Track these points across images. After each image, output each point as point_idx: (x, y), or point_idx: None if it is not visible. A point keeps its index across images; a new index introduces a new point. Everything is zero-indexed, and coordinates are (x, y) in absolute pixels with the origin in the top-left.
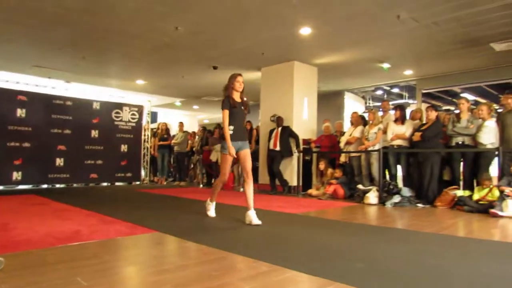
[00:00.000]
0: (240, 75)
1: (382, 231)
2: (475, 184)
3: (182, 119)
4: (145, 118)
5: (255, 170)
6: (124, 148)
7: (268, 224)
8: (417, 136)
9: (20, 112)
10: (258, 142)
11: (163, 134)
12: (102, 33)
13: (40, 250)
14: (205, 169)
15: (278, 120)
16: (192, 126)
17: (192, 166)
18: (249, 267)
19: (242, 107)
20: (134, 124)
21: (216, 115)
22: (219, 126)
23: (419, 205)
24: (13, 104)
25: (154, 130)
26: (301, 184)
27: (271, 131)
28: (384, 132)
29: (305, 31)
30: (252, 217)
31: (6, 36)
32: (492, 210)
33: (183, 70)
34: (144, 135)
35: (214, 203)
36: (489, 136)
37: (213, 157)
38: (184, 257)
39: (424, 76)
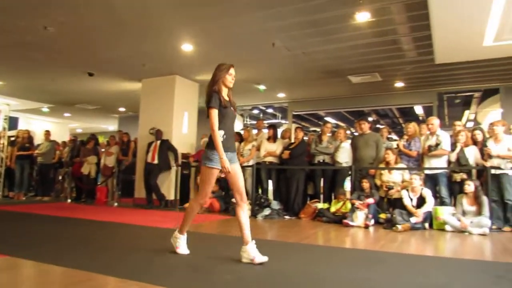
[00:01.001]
0: (232, 66)
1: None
2: (333, 197)
3: (50, 127)
4: (1, 124)
5: (131, 183)
6: None
7: (143, 240)
8: (286, 154)
9: None
10: (135, 154)
11: (24, 143)
12: None
13: None
14: (75, 182)
15: (157, 133)
16: (62, 135)
17: (59, 179)
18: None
19: (232, 108)
20: None
21: (91, 125)
22: (94, 136)
23: (286, 217)
24: None
25: (13, 138)
26: (178, 198)
27: (150, 144)
28: (258, 149)
29: (187, 47)
30: (254, 253)
31: None
32: (345, 221)
33: (52, 73)
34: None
35: (185, 235)
36: (344, 155)
37: (85, 169)
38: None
39: (294, 100)
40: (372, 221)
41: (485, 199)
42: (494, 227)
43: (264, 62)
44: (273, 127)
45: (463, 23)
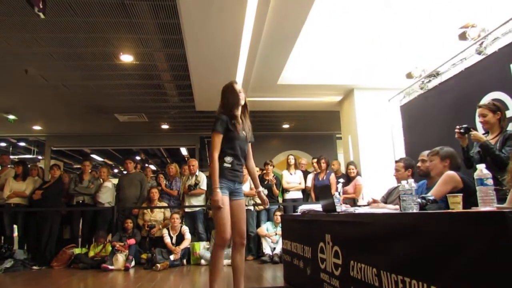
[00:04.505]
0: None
1: None
2: (93, 240)
3: None
4: None
5: None
6: None
7: None
8: (37, 195)
9: None
10: None
11: None
12: None
13: None
14: None
15: None
16: None
17: None
18: None
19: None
20: None
21: None
22: None
23: (35, 267)
24: None
25: None
26: None
27: None
28: (2, 188)
29: None
30: None
31: None
32: (103, 265)
33: None
34: None
35: None
36: (107, 195)
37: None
38: None
39: (54, 134)
40: (133, 263)
41: None
42: None
43: (15, 89)
44: (23, 163)
45: (216, 79)
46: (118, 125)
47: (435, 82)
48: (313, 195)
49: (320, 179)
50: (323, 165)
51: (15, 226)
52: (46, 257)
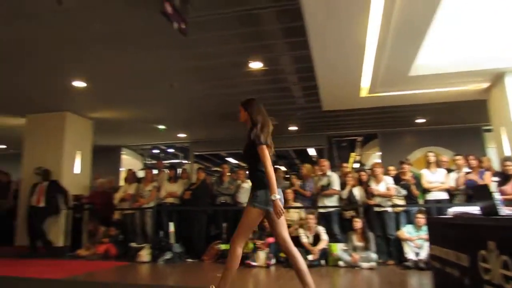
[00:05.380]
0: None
1: None
2: None
3: None
4: None
5: (10, 230)
6: None
7: None
8: (187, 195)
9: None
10: (16, 197)
11: None
12: None
13: None
14: None
15: (45, 174)
16: None
17: None
18: None
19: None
20: None
21: None
22: None
23: (189, 260)
24: None
25: None
26: (69, 244)
27: (35, 185)
28: (158, 190)
29: (79, 84)
30: None
31: None
32: (247, 261)
33: None
34: None
35: None
36: (245, 195)
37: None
38: None
39: (196, 140)
40: (273, 260)
41: (371, 235)
42: (380, 260)
43: (163, 102)
44: (174, 167)
45: (342, 77)
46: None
47: None
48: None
49: (473, 178)
50: (473, 162)
51: (170, 223)
52: (197, 251)
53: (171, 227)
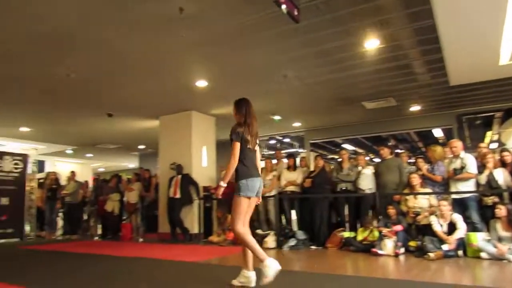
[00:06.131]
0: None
1: (282, 274)
2: (358, 225)
3: (74, 167)
4: (30, 168)
5: (155, 219)
6: (4, 201)
7: (170, 275)
8: (307, 183)
9: None
10: (157, 190)
11: (51, 184)
12: None
13: None
14: (101, 220)
15: (178, 168)
16: (85, 175)
17: (86, 217)
18: None
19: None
20: (17, 175)
21: (113, 163)
22: (116, 175)
23: (313, 247)
24: None
25: (41, 180)
26: (202, 231)
27: (171, 179)
28: (278, 179)
29: (201, 83)
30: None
31: None
32: (373, 249)
33: (75, 116)
34: (29, 186)
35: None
36: (366, 182)
37: (109, 207)
38: None
39: (310, 128)
40: (402, 249)
41: None
42: None
43: (277, 93)
44: (292, 156)
45: (475, 43)
46: (365, 113)
47: None
48: None
49: None
50: None
51: (292, 211)
52: (320, 238)
53: (293, 214)
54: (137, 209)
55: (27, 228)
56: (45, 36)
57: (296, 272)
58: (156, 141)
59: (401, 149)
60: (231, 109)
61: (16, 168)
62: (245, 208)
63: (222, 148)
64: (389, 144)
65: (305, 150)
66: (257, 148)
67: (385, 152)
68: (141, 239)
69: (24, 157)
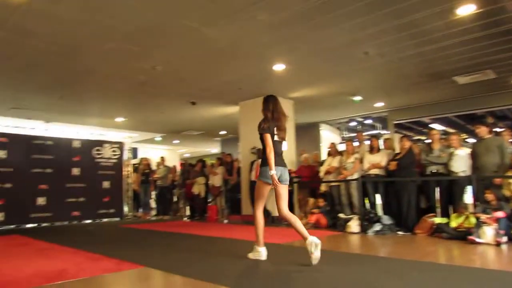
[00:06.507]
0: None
1: (367, 259)
2: (450, 211)
3: (162, 153)
4: (126, 154)
5: (237, 202)
6: (106, 184)
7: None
8: (393, 165)
9: (1, 153)
10: (239, 174)
11: (145, 169)
12: (79, 73)
13: None
14: (188, 202)
15: (259, 152)
16: (173, 160)
17: (175, 200)
18: None
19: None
20: (115, 161)
21: (197, 149)
22: (201, 160)
23: (400, 232)
24: None
25: (136, 165)
26: None
27: (252, 163)
28: (361, 161)
29: (279, 67)
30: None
31: None
32: (470, 237)
33: (162, 106)
34: (126, 171)
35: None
36: (460, 164)
37: (195, 190)
38: None
39: (394, 108)
40: (505, 238)
41: None
42: None
43: (357, 72)
44: (376, 138)
45: None
46: (457, 89)
47: None
48: None
49: None
50: None
51: (377, 195)
52: (408, 224)
53: (378, 198)
54: (221, 192)
55: (125, 209)
56: (129, 35)
57: (381, 258)
58: (236, 126)
59: (501, 128)
60: (309, 91)
61: (114, 155)
62: (265, 192)
63: (301, 132)
64: (487, 122)
65: (389, 132)
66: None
67: (483, 131)
68: (225, 221)
69: (120, 145)
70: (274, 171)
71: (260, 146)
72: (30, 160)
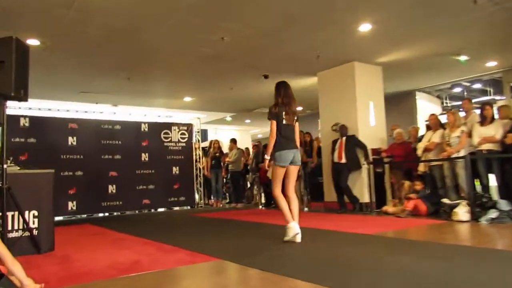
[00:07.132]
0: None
1: (481, 253)
2: None
3: (234, 135)
4: (195, 137)
5: (319, 186)
6: (175, 170)
7: (338, 247)
8: (510, 138)
9: (71, 140)
10: (320, 155)
11: (215, 152)
12: (144, 52)
13: (102, 281)
14: (263, 188)
15: (342, 129)
16: (244, 142)
17: (248, 186)
18: None
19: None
20: (184, 144)
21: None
22: None
23: None
24: (65, 133)
25: (206, 149)
26: (374, 200)
27: (334, 142)
28: (469, 135)
29: (365, 27)
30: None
31: (53, 64)
32: None
33: (231, 81)
34: (195, 155)
35: (291, 223)
36: None
37: (270, 174)
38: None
39: (511, 67)
40: None
41: None
42: None
43: (462, 27)
44: (489, 105)
45: None
46: None
47: None
48: None
49: None
50: None
51: (490, 175)
52: None
53: (492, 179)
54: (299, 176)
55: (196, 196)
56: (193, 6)
57: (498, 251)
58: (314, 101)
59: None
60: (401, 54)
61: (182, 138)
62: (280, 174)
63: (393, 103)
64: None
65: (504, 97)
66: (296, 123)
67: None
68: (306, 209)
69: (189, 127)
70: (268, 157)
71: (343, 122)
72: (100, 146)
